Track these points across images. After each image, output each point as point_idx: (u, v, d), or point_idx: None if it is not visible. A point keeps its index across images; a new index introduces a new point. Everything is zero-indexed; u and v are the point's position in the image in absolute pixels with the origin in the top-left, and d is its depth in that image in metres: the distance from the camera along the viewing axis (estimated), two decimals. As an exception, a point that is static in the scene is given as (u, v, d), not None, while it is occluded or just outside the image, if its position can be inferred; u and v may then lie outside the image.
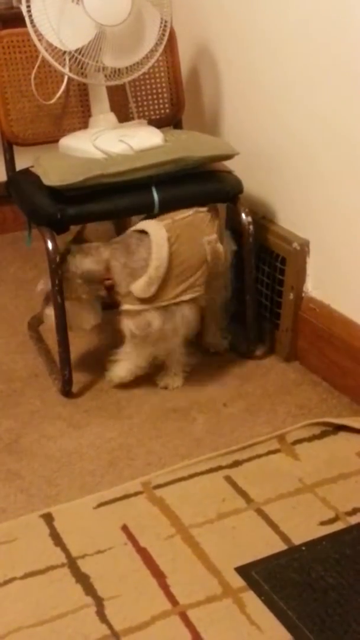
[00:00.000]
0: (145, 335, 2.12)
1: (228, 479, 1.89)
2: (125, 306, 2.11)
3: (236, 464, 1.93)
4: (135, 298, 2.08)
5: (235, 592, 1.57)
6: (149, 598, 1.57)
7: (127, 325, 2.12)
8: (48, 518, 1.79)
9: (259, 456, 1.96)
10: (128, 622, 1.52)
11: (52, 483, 1.90)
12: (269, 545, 1.68)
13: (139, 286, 2.07)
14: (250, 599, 1.55)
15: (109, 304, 2.17)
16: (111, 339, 2.41)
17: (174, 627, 1.51)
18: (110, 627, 1.51)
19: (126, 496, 1.84)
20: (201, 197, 2.22)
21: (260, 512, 1.78)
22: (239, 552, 1.67)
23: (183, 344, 2.21)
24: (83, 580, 1.62)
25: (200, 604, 1.55)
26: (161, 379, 2.26)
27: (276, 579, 1.59)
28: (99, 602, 1.57)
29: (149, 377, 2.27)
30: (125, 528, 1.75)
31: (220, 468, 1.92)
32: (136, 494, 1.85)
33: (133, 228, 2.15)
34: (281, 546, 1.68)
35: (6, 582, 1.62)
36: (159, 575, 1.62)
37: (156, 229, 2.10)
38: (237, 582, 1.60)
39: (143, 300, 2.08)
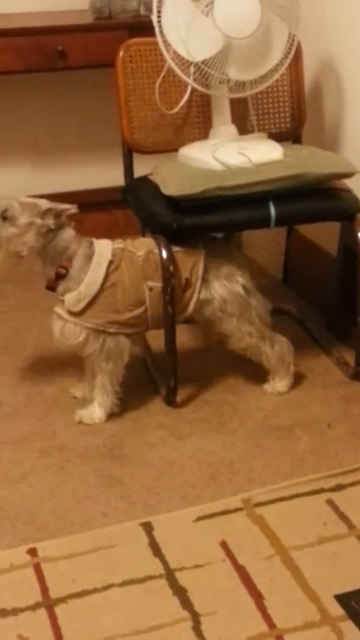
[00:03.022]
0: (67, 344, 2.12)
1: (330, 502, 1.86)
2: (57, 308, 2.11)
3: (339, 487, 1.90)
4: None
5: (334, 621, 1.54)
6: (245, 618, 1.56)
7: (54, 326, 2.12)
8: (148, 527, 1.79)
9: (362, 482, 1.93)
10: (224, 641, 1.51)
11: (153, 492, 1.91)
12: (370, 576, 1.65)
13: (70, 298, 2.06)
14: (350, 629, 1.52)
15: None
16: (216, 352, 2.42)
17: (271, 650, 1.49)
18: (206, 643, 1.51)
19: (226, 512, 1.84)
20: (319, 214, 2.21)
21: (362, 540, 1.74)
22: (339, 580, 1.64)
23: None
24: (180, 593, 1.62)
25: (298, 630, 1.53)
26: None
27: (377, 611, 1.56)
28: (195, 617, 1.56)
29: (254, 392, 2.26)
30: (224, 544, 1.74)
31: (322, 491, 1.89)
32: (236, 510, 1.84)
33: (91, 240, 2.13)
34: (383, 577, 1.64)
35: (105, 588, 1.64)
36: (256, 596, 1.61)
37: (103, 249, 2.09)
38: (336, 610, 1.57)
39: (71, 313, 2.08)
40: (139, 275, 2.10)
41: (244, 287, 2.15)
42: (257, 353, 2.23)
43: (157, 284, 2.10)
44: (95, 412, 2.17)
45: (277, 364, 2.25)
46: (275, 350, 2.22)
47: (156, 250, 2.12)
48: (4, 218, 2.01)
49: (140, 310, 2.11)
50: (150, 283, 2.11)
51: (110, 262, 2.09)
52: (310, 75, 2.62)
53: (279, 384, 2.28)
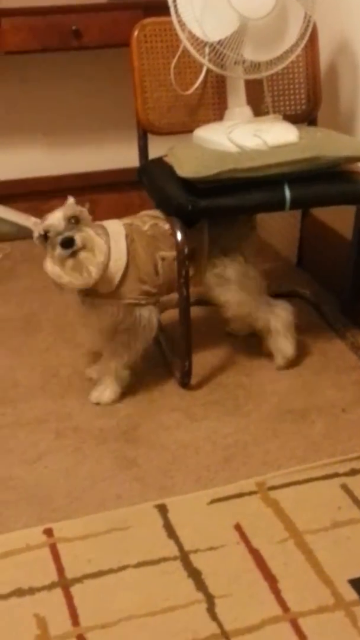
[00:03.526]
0: (108, 325, 2.13)
1: (344, 487, 1.86)
2: (85, 298, 2.11)
3: (353, 472, 1.91)
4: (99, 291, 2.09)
5: (348, 605, 1.55)
6: (259, 601, 1.57)
7: (90, 314, 2.13)
8: (162, 509, 1.80)
9: (377, 466, 1.93)
10: (238, 623, 1.52)
11: (167, 474, 1.91)
12: (384, 560, 1.65)
13: (101, 280, 2.05)
14: (363, 613, 1.54)
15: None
16: (230, 334, 2.42)
17: (284, 633, 1.50)
18: (220, 625, 1.51)
19: (240, 495, 1.84)
20: (334, 197, 2.20)
21: (376, 525, 1.75)
22: (353, 564, 1.64)
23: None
24: (195, 575, 1.63)
25: (312, 613, 1.54)
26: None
27: (391, 595, 1.56)
28: (209, 599, 1.58)
29: (268, 375, 2.27)
30: (238, 527, 1.75)
31: (336, 475, 1.90)
32: (250, 493, 1.85)
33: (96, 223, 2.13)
34: None
35: (120, 569, 1.65)
36: (270, 579, 1.62)
37: (114, 227, 2.11)
38: (350, 594, 1.57)
39: (105, 295, 2.08)
40: (151, 247, 2.12)
41: (243, 256, 2.18)
42: (255, 319, 2.24)
43: (169, 253, 2.13)
44: (109, 389, 2.18)
45: (277, 327, 2.25)
46: (275, 314, 2.24)
47: (160, 222, 2.14)
48: (77, 221, 1.98)
49: (157, 279, 2.13)
50: (162, 253, 2.13)
51: (126, 236, 2.10)
52: (325, 57, 2.60)
53: (283, 345, 2.27)
